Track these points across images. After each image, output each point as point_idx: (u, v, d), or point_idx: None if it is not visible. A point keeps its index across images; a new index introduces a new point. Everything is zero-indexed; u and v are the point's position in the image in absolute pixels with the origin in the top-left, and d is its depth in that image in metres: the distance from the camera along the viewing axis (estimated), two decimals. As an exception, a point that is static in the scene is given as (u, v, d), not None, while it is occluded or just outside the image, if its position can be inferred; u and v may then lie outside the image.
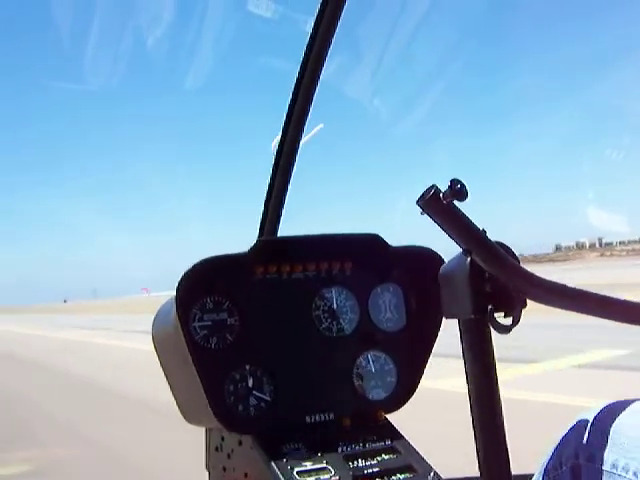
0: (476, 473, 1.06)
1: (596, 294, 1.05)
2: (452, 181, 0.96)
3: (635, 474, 1.16)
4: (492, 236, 1.01)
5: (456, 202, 0.97)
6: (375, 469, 1.45)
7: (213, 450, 1.70)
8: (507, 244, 1.06)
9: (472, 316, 1.03)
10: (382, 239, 1.67)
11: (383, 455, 1.50)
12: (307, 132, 2.06)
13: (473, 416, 1.05)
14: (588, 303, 1.05)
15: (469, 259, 1.02)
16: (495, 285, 1.02)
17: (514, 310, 1.04)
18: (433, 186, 0.97)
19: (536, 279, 1.01)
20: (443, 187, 0.97)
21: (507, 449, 1.05)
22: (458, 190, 0.96)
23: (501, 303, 1.04)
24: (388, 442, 1.55)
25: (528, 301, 1.05)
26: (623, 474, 1.18)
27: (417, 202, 0.98)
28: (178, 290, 1.48)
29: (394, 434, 1.59)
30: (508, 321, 1.04)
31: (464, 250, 1.03)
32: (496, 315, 1.03)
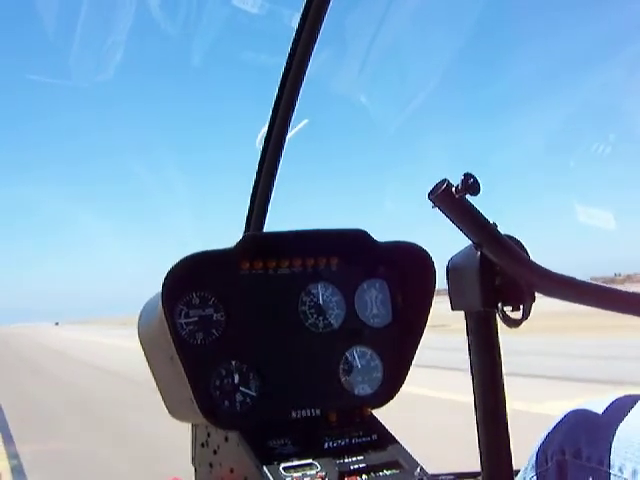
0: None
1: (608, 287, 1.04)
2: (465, 175, 0.95)
3: (621, 470, 1.17)
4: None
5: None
6: (361, 465, 1.45)
7: (199, 446, 1.69)
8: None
9: (481, 309, 1.03)
10: (369, 235, 1.67)
11: (369, 451, 1.50)
12: (292, 127, 2.06)
13: (476, 409, 1.05)
14: (599, 296, 1.04)
15: (479, 253, 1.02)
16: (505, 279, 1.02)
17: (524, 304, 1.04)
18: (444, 180, 0.96)
19: (547, 273, 1.01)
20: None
21: (509, 444, 1.05)
22: (471, 184, 0.95)
23: (510, 297, 1.03)
24: (374, 438, 1.55)
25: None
26: (609, 470, 1.19)
27: (428, 196, 0.98)
28: (164, 286, 1.47)
29: (380, 430, 1.59)
30: (516, 315, 1.03)
31: (475, 244, 1.02)
32: (505, 309, 1.03)
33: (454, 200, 0.96)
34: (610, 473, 1.19)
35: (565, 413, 1.32)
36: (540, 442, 1.33)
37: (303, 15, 1.82)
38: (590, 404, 1.30)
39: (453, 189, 0.96)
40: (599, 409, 1.27)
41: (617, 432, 1.20)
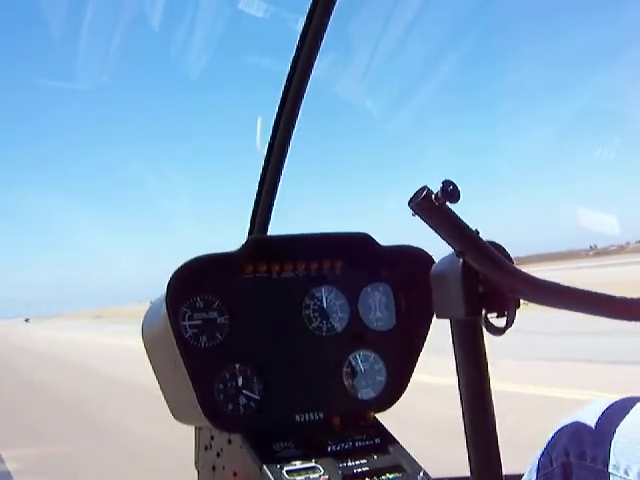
0: (467, 473, 1.05)
1: (591, 292, 1.03)
2: (444, 182, 0.94)
3: (626, 472, 1.16)
4: (486, 236, 1.00)
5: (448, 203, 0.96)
6: (364, 468, 1.46)
7: (202, 449, 1.69)
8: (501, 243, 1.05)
9: (465, 317, 1.03)
10: (372, 238, 1.67)
11: (372, 454, 1.50)
12: (296, 131, 2.06)
13: (464, 416, 1.05)
14: (583, 301, 1.04)
15: (462, 260, 1.01)
16: (488, 286, 1.01)
17: (507, 311, 1.03)
18: (424, 187, 0.95)
19: (530, 279, 1.00)
20: (434, 186, 0.95)
21: (498, 450, 1.04)
22: (450, 191, 0.94)
23: (494, 304, 1.02)
24: (377, 441, 1.55)
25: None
26: (614, 472, 1.18)
27: (408, 204, 0.97)
28: (168, 289, 1.47)
29: (384, 433, 1.59)
30: (501, 322, 1.03)
31: (457, 252, 1.01)
32: (489, 316, 1.02)
33: (434, 208, 0.95)
34: (616, 475, 1.18)
35: (570, 414, 1.31)
36: (545, 444, 1.33)
37: (308, 19, 1.82)
38: (595, 406, 1.29)
39: (433, 197, 0.94)
40: (605, 411, 1.26)
41: (622, 434, 1.19)
